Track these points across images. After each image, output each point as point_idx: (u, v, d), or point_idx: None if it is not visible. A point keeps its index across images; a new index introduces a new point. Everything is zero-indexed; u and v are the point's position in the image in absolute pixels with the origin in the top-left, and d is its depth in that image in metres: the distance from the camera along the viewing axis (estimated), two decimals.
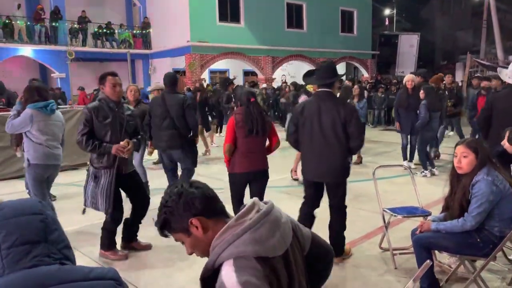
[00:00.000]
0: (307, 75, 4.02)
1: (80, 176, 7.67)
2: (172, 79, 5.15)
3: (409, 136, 7.63)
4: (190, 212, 1.40)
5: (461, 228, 2.84)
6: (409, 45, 25.52)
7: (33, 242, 1.12)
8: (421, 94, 7.01)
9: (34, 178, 4.21)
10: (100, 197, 3.77)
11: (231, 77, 16.82)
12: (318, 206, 3.84)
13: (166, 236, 1.48)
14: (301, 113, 3.66)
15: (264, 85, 17.72)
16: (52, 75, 18.90)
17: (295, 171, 6.84)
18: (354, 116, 3.54)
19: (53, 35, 18.21)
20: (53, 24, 18.09)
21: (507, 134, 3.47)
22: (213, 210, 1.43)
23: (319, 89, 3.70)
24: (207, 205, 1.42)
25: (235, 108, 8.02)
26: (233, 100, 9.32)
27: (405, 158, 7.77)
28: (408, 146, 7.77)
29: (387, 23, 34.47)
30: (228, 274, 1.28)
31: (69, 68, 16.99)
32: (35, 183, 4.22)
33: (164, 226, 1.44)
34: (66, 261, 1.16)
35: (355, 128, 3.52)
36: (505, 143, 3.47)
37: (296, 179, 6.85)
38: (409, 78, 7.58)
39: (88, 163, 3.96)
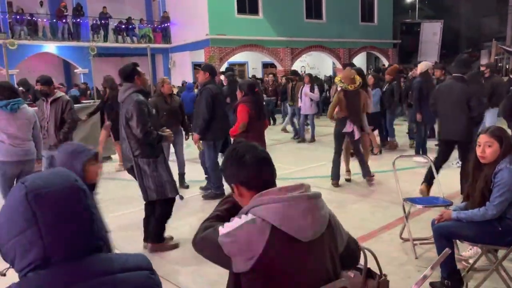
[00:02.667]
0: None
1: (105, 169, 7.86)
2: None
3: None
4: (234, 178, 1.57)
5: (482, 217, 2.82)
6: (432, 33, 24.91)
7: None
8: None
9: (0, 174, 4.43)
10: (167, 184, 3.88)
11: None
12: (447, 160, 5.23)
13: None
14: (438, 90, 5.37)
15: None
16: (75, 70, 19.31)
17: (348, 170, 6.36)
18: (476, 94, 4.99)
19: (75, 31, 18.58)
20: (76, 20, 18.44)
21: None
22: (255, 186, 1.54)
23: (454, 74, 5.15)
24: (250, 180, 1.54)
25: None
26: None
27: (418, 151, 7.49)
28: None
29: (409, 10, 33.67)
30: (239, 220, 1.46)
31: (91, 63, 17.32)
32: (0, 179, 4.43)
33: (223, 176, 1.66)
34: (103, 244, 1.08)
35: (475, 103, 4.89)
36: None
37: (348, 180, 6.28)
38: (427, 66, 7.56)
39: (131, 158, 3.82)
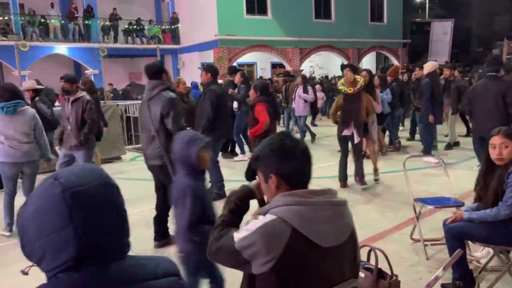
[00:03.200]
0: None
1: (116, 169, 7.94)
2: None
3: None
4: (276, 169, 1.51)
5: (495, 217, 2.78)
6: (442, 32, 24.66)
7: None
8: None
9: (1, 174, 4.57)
10: None
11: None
12: None
13: (253, 170, 1.62)
14: (473, 90, 5.55)
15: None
16: (86, 71, 19.49)
17: (376, 170, 6.15)
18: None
19: (86, 33, 18.76)
20: (86, 22, 18.62)
21: None
22: (295, 181, 1.51)
23: (488, 73, 5.37)
24: (293, 175, 1.51)
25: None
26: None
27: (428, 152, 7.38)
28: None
29: (419, 10, 33.40)
30: (257, 222, 1.42)
31: (101, 64, 17.49)
32: (1, 178, 4.56)
33: (256, 159, 1.58)
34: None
35: (511, 99, 5.07)
36: None
37: (377, 180, 6.12)
38: (435, 66, 7.48)
39: (163, 154, 3.77)
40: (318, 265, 1.41)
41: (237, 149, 8.59)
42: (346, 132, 5.67)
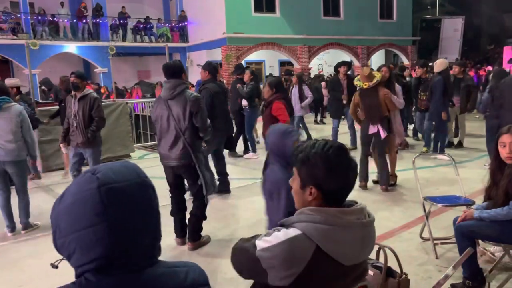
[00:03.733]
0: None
1: None
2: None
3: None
4: (320, 181, 1.41)
5: (506, 216, 2.74)
6: (453, 29, 24.40)
7: None
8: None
9: None
10: (213, 179, 4.14)
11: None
12: None
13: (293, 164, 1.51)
14: (504, 84, 5.29)
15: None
16: (95, 70, 19.63)
17: (393, 175, 5.83)
18: None
19: (95, 31, 18.89)
20: (95, 21, 18.75)
21: None
22: (334, 199, 1.43)
23: None
24: (335, 194, 1.42)
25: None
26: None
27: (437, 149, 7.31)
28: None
29: (429, 7, 33.07)
30: (280, 235, 1.37)
31: (110, 63, 17.60)
32: None
33: (299, 161, 1.47)
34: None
35: None
36: None
37: (393, 184, 5.78)
38: (446, 64, 7.33)
39: (190, 153, 3.80)
40: (338, 281, 1.39)
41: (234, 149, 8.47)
42: (372, 130, 5.44)
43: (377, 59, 23.32)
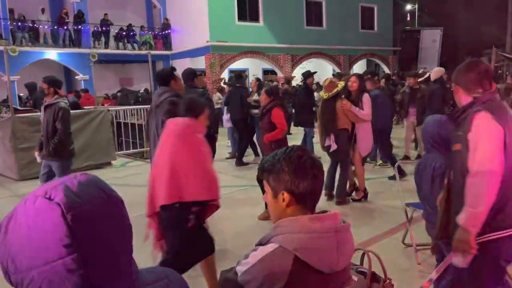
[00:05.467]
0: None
1: (105, 175, 7.86)
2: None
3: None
4: (289, 186, 1.42)
5: None
6: (431, 40, 25.00)
7: None
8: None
9: None
10: None
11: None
12: None
13: (261, 179, 1.52)
14: None
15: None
16: (76, 77, 19.37)
17: (359, 189, 5.64)
18: None
19: (76, 38, 18.67)
20: (77, 27, 18.54)
21: None
22: (308, 202, 1.44)
23: None
24: (306, 195, 1.43)
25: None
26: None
27: None
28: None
29: (408, 18, 33.88)
30: (257, 253, 1.36)
31: (92, 70, 17.40)
32: None
33: (266, 172, 1.47)
34: None
35: None
36: None
37: (358, 200, 5.56)
38: (442, 71, 7.52)
39: None
40: None
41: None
42: (327, 142, 5.34)
43: (359, 69, 23.67)
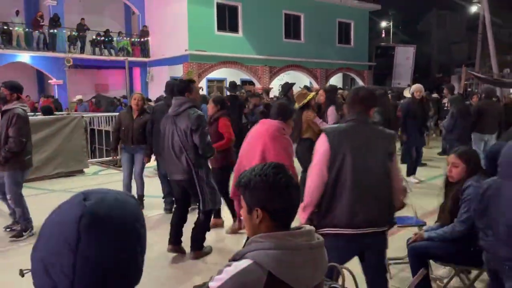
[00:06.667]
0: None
1: (77, 183, 7.66)
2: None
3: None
4: (264, 203, 1.42)
5: (451, 233, 2.88)
6: (405, 57, 25.73)
7: None
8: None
9: None
10: (218, 195, 4.22)
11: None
12: None
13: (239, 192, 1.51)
14: None
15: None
16: (49, 81, 18.91)
17: None
18: None
19: (51, 42, 18.26)
20: (52, 31, 18.14)
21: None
22: (282, 219, 1.44)
23: None
24: (281, 213, 1.42)
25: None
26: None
27: (410, 174, 7.40)
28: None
29: (383, 35, 34.81)
30: (230, 269, 1.35)
31: (66, 75, 17.04)
32: None
33: (242, 187, 1.47)
34: None
35: None
36: None
37: None
38: (417, 88, 7.48)
39: (192, 170, 3.95)
40: None
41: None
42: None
43: (335, 82, 24.07)
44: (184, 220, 4.28)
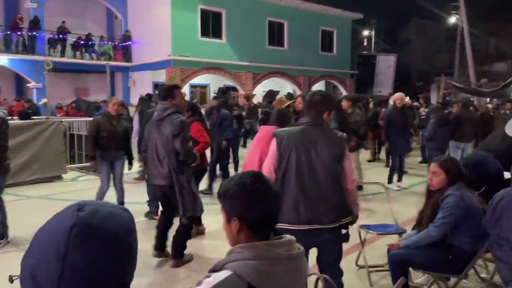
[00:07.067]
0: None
1: (54, 189, 7.49)
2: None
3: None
4: (240, 212, 1.40)
5: (425, 238, 2.91)
6: (386, 65, 26.19)
7: None
8: None
9: None
10: (199, 202, 4.16)
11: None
12: None
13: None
14: None
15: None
16: (28, 85, 18.53)
17: None
18: None
19: (31, 44, 17.92)
20: (32, 34, 17.81)
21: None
22: (260, 229, 1.41)
23: None
24: (259, 223, 1.40)
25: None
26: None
27: (390, 181, 7.49)
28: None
29: (365, 43, 35.35)
30: (210, 280, 1.32)
31: (45, 78, 16.71)
32: None
33: (221, 196, 1.45)
34: None
35: None
36: None
37: None
38: (398, 97, 7.57)
39: (173, 175, 3.94)
40: None
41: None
42: None
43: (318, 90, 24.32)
44: (168, 225, 4.27)
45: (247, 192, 1.40)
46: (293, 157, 2.58)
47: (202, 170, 5.02)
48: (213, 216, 4.99)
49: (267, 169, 2.64)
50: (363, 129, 7.26)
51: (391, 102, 7.74)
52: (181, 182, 3.97)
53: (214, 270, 1.38)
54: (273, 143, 2.67)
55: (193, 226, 4.38)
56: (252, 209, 1.39)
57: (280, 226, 2.55)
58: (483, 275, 3.67)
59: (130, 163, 5.76)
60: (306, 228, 2.55)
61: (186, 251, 4.26)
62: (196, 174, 4.84)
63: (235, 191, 1.42)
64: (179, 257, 4.14)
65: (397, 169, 7.64)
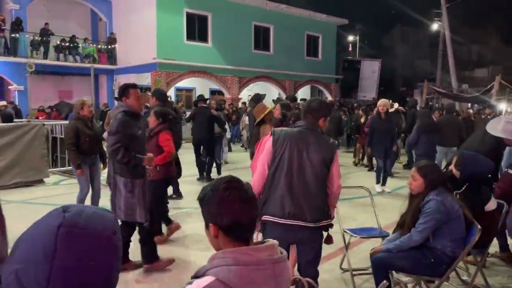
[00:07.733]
0: None
1: (36, 193, 7.35)
2: None
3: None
4: (213, 218, 1.40)
5: (407, 243, 2.95)
6: (371, 70, 26.52)
7: None
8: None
9: None
10: (138, 207, 3.85)
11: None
12: None
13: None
14: None
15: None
16: (9, 87, 18.19)
17: None
18: None
19: (12, 46, 17.60)
20: (14, 35, 17.51)
21: (454, 160, 3.64)
22: (235, 234, 1.40)
23: None
24: (231, 228, 1.39)
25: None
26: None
27: (378, 182, 7.75)
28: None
29: (350, 49, 35.75)
30: (194, 286, 1.30)
31: (28, 81, 16.43)
32: None
33: (199, 201, 1.46)
34: None
35: None
36: (452, 168, 3.62)
37: None
38: (382, 103, 7.69)
39: (112, 174, 3.89)
40: None
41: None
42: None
43: (303, 94, 24.45)
44: (130, 233, 4.04)
45: (220, 197, 1.40)
46: (286, 155, 2.72)
47: (170, 178, 4.89)
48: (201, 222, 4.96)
49: (261, 165, 2.79)
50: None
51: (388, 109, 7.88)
52: (118, 183, 3.83)
53: (196, 276, 1.37)
54: (270, 140, 2.80)
55: (151, 229, 4.09)
56: (223, 215, 1.39)
57: (265, 218, 2.69)
58: (464, 277, 3.74)
59: (104, 163, 5.67)
60: (289, 222, 2.66)
61: (169, 256, 4.20)
62: (163, 182, 4.75)
63: (210, 197, 1.42)
64: (148, 262, 4.04)
65: (382, 171, 7.77)
